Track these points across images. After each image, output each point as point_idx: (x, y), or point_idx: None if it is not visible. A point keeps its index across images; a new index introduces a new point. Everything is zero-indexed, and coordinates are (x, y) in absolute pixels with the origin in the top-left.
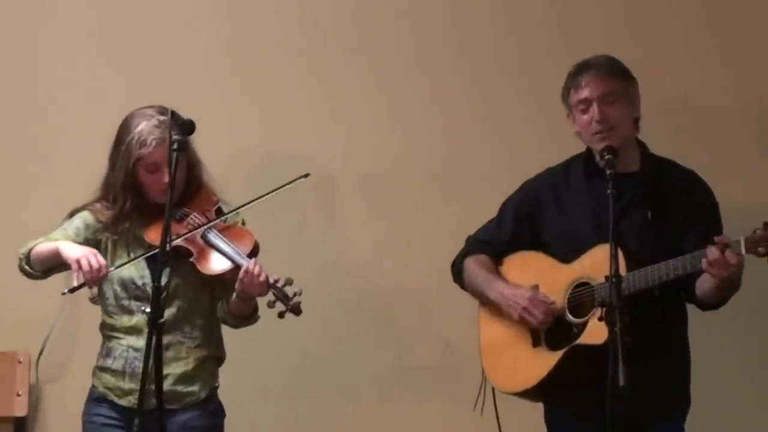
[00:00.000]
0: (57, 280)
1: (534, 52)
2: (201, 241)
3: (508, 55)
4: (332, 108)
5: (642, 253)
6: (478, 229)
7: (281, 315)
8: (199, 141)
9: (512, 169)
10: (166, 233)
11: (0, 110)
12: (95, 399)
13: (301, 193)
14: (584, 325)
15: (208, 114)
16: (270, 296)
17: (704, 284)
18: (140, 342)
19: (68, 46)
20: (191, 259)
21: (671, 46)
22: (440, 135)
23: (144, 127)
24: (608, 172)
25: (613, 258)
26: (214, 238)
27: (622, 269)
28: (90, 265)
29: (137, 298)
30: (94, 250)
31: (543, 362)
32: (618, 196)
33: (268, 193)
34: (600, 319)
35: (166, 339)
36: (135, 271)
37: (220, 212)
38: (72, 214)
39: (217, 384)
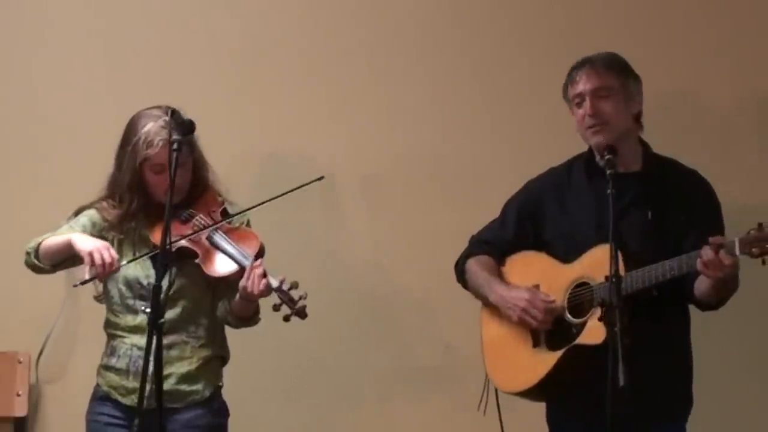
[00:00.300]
0: (57, 280)
1: (534, 51)
2: (207, 243)
3: (508, 54)
4: (333, 108)
5: (642, 253)
6: (481, 229)
7: (286, 318)
8: (201, 141)
9: (512, 168)
10: (166, 233)
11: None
12: (99, 398)
13: (302, 193)
14: (583, 325)
15: (209, 114)
16: (275, 299)
17: (701, 285)
18: (144, 341)
19: (72, 46)
20: (196, 261)
21: (670, 44)
22: (440, 135)
23: (151, 127)
24: (608, 171)
25: (613, 258)
26: (220, 239)
27: (621, 269)
28: (102, 259)
29: (142, 298)
30: (107, 244)
31: (543, 362)
32: (619, 196)
33: (280, 195)
34: (600, 319)
35: (171, 338)
36: (140, 270)
37: (225, 213)
38: (78, 212)
39: (220, 383)
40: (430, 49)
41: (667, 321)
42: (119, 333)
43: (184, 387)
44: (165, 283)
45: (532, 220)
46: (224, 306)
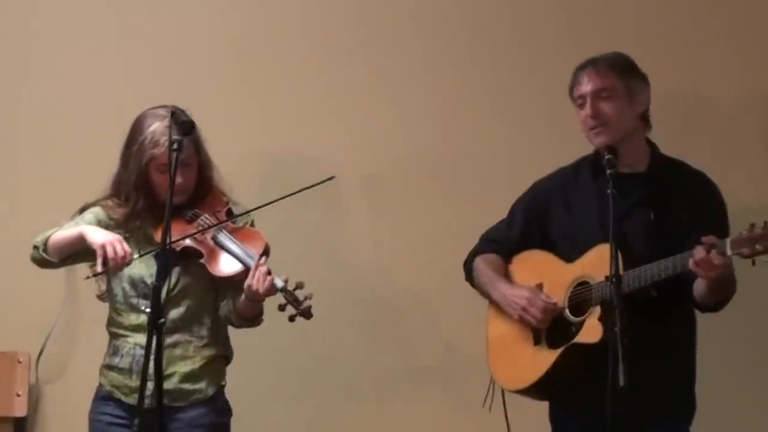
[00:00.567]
0: (57, 280)
1: (538, 51)
2: (211, 243)
3: (511, 55)
4: (336, 109)
5: (644, 253)
6: (491, 227)
7: (292, 318)
8: (206, 141)
9: (515, 169)
10: (167, 233)
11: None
12: (102, 397)
13: (305, 194)
14: (582, 323)
15: (214, 115)
16: (281, 299)
17: (699, 286)
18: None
19: (78, 45)
20: (201, 261)
21: (676, 43)
22: (444, 136)
23: (157, 127)
24: (608, 171)
25: (613, 258)
26: (225, 239)
27: (621, 269)
28: (115, 252)
29: (145, 297)
30: (119, 237)
31: (542, 360)
32: (623, 196)
33: (289, 195)
34: (600, 318)
35: (174, 337)
36: (145, 269)
37: (230, 213)
38: (83, 210)
39: (223, 382)
40: (432, 49)
41: (668, 322)
42: (122, 332)
43: (187, 386)
44: (166, 283)
45: (538, 221)
46: (228, 305)
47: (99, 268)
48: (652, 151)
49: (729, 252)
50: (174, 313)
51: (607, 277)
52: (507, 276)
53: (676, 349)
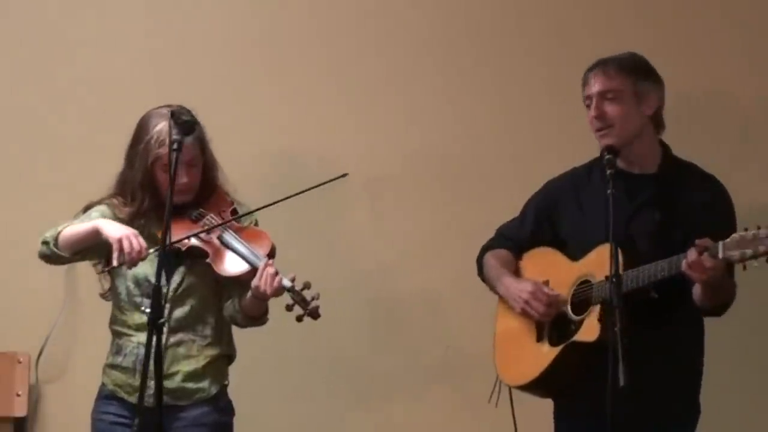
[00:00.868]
0: (57, 281)
1: (547, 52)
2: (217, 242)
3: (520, 55)
4: (345, 109)
5: (650, 254)
6: (505, 223)
7: (299, 319)
8: (213, 141)
9: (522, 170)
10: (166, 233)
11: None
12: (104, 397)
13: (311, 193)
14: (581, 322)
15: (221, 114)
16: (288, 300)
17: (696, 289)
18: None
19: (83, 44)
20: (207, 260)
21: (690, 44)
22: (450, 136)
23: (163, 127)
24: (608, 172)
25: (613, 258)
26: (231, 239)
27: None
28: (131, 246)
29: (149, 296)
30: (135, 231)
31: (543, 357)
32: (632, 197)
33: (301, 192)
34: (599, 317)
35: (178, 336)
36: (149, 268)
37: (235, 213)
38: (87, 208)
39: (226, 382)
40: (442, 49)
41: (672, 325)
42: (125, 331)
43: (191, 385)
44: (168, 282)
45: (549, 220)
46: (234, 305)
47: (115, 262)
48: (664, 152)
49: (721, 255)
50: (178, 312)
51: (607, 277)
52: (517, 272)
53: (680, 352)
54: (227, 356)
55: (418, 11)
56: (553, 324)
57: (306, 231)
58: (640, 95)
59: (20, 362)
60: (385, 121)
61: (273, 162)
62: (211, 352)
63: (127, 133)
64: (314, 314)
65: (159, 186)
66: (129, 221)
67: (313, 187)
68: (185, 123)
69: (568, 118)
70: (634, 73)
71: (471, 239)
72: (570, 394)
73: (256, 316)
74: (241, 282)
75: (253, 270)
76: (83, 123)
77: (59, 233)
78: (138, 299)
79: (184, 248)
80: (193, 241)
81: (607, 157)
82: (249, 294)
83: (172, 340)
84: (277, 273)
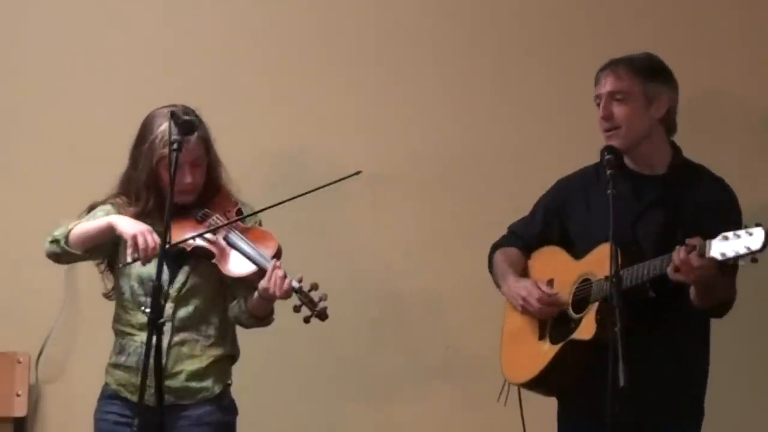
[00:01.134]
0: (57, 281)
1: (550, 53)
2: (223, 243)
3: (526, 55)
4: (346, 108)
5: (652, 255)
6: (517, 221)
7: (307, 320)
8: (218, 141)
9: (525, 170)
10: (166, 232)
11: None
12: (107, 396)
13: (315, 194)
14: (580, 320)
15: (224, 114)
16: (296, 301)
17: (691, 289)
18: (154, 339)
19: (86, 43)
20: (213, 261)
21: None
22: (453, 136)
23: (167, 127)
24: (608, 172)
25: (613, 257)
26: (237, 239)
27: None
28: (146, 243)
29: None
30: (149, 228)
31: (544, 355)
32: (639, 197)
33: (314, 189)
34: (596, 315)
35: (182, 336)
36: (153, 268)
37: (240, 214)
38: (91, 208)
39: (230, 381)
40: (444, 49)
41: (670, 325)
42: (129, 330)
43: (194, 384)
44: (173, 282)
45: (558, 219)
46: (239, 305)
47: (129, 258)
48: (674, 153)
49: (709, 254)
50: (182, 312)
51: (606, 277)
52: (525, 271)
53: (681, 353)
54: (230, 356)
55: (421, 11)
56: (555, 322)
57: (306, 231)
58: (650, 97)
59: (20, 362)
60: (387, 121)
61: (274, 162)
62: (215, 352)
63: (129, 133)
64: (322, 315)
65: (163, 186)
66: None
67: (327, 185)
68: (185, 123)
69: (571, 118)
70: (645, 74)
71: (473, 239)
72: (571, 393)
73: (262, 317)
74: (247, 283)
75: (260, 271)
76: (84, 123)
77: (70, 231)
78: (142, 299)
79: (189, 249)
80: (199, 241)
81: (607, 157)
82: (255, 295)
83: (175, 339)
84: (285, 275)
